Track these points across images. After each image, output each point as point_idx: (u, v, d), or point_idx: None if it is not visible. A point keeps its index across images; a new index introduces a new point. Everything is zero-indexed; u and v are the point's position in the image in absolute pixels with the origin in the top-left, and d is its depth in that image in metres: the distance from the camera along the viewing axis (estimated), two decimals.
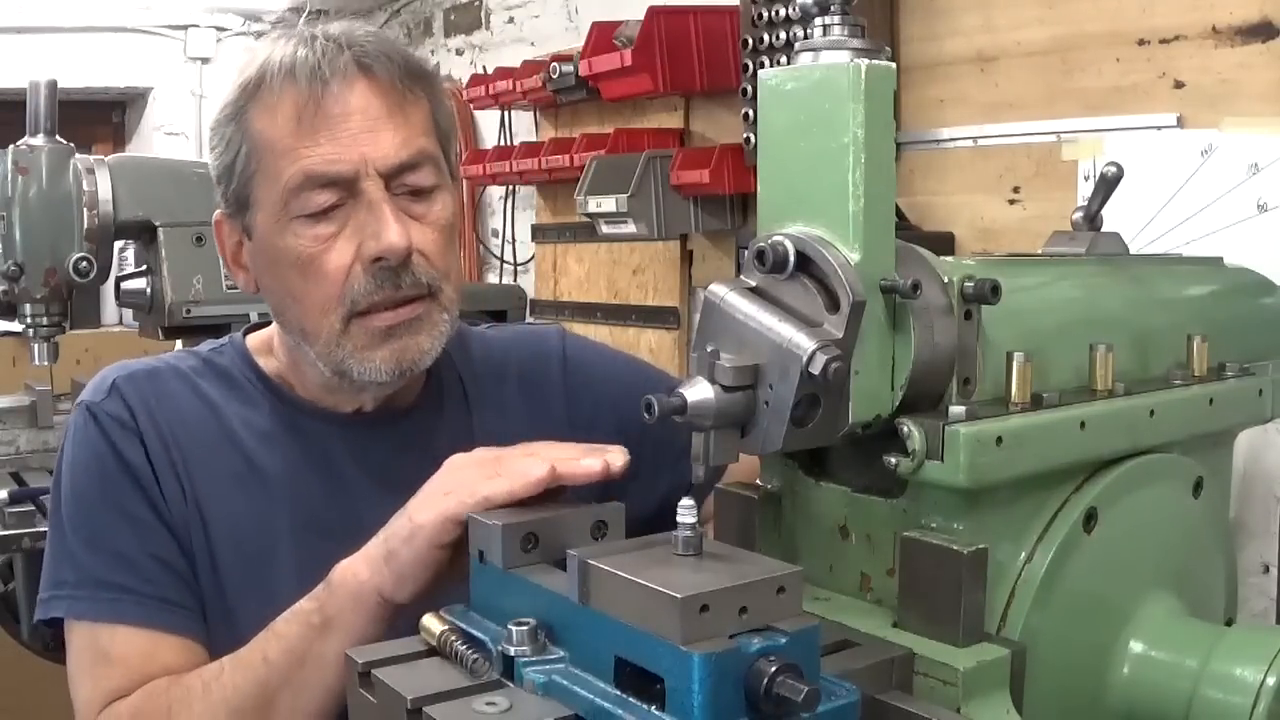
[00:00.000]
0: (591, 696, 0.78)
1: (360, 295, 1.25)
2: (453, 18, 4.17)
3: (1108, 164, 1.30)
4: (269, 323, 1.42)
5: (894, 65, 0.90)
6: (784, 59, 2.30)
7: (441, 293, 1.29)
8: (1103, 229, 1.31)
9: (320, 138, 1.23)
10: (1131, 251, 1.41)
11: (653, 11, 2.70)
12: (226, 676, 1.15)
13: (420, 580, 1.07)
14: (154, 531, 1.27)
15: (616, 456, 1.06)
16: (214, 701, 1.14)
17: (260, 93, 1.25)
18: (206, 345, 1.42)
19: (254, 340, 1.41)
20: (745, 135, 2.54)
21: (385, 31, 1.36)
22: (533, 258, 3.66)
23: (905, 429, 0.91)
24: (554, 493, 1.04)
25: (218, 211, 1.34)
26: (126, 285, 2.58)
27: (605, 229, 2.89)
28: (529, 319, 3.32)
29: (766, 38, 2.37)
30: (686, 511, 0.82)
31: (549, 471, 1.03)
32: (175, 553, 1.27)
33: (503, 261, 3.81)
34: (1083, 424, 0.99)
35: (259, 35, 4.98)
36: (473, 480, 1.05)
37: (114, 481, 1.27)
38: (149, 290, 2.53)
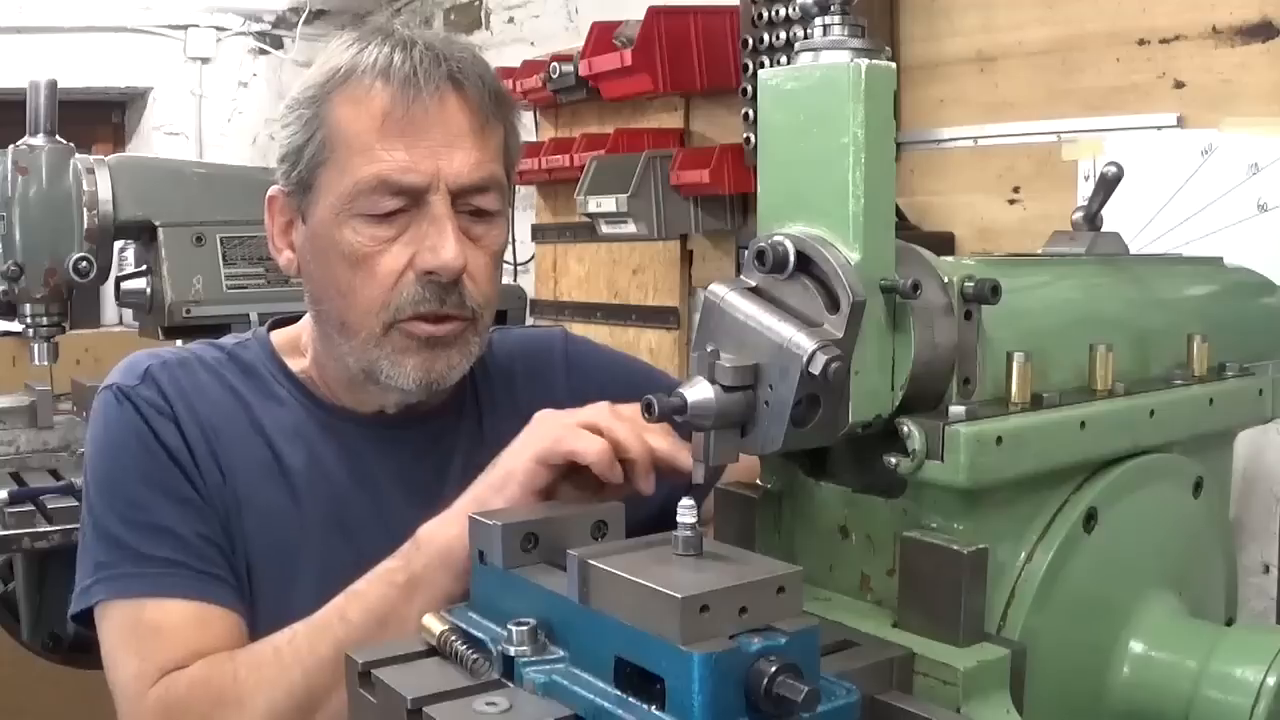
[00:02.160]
0: (591, 696, 0.78)
1: (406, 304, 1.25)
2: (453, 17, 4.17)
3: (1108, 164, 1.30)
4: (291, 320, 1.42)
5: (894, 65, 0.90)
6: (784, 59, 2.30)
7: (480, 319, 1.31)
8: (1103, 229, 1.31)
9: (400, 144, 1.23)
10: (1131, 251, 1.41)
11: (653, 11, 2.70)
12: (300, 640, 1.13)
13: None
14: (197, 509, 1.26)
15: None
16: (287, 664, 1.12)
17: (348, 84, 1.25)
18: (230, 339, 1.42)
19: (279, 338, 1.41)
20: (745, 135, 2.54)
21: (477, 48, 1.36)
22: (533, 258, 3.66)
23: (905, 429, 0.91)
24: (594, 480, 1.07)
25: (274, 187, 1.34)
26: (126, 285, 2.57)
27: (605, 229, 2.89)
28: (529, 319, 3.32)
29: (766, 38, 2.37)
30: (686, 511, 0.82)
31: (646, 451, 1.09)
32: (218, 531, 1.26)
33: (502, 261, 3.81)
34: (1083, 424, 0.99)
35: (259, 35, 4.97)
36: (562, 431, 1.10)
37: (153, 459, 1.26)
38: (149, 290, 2.52)
